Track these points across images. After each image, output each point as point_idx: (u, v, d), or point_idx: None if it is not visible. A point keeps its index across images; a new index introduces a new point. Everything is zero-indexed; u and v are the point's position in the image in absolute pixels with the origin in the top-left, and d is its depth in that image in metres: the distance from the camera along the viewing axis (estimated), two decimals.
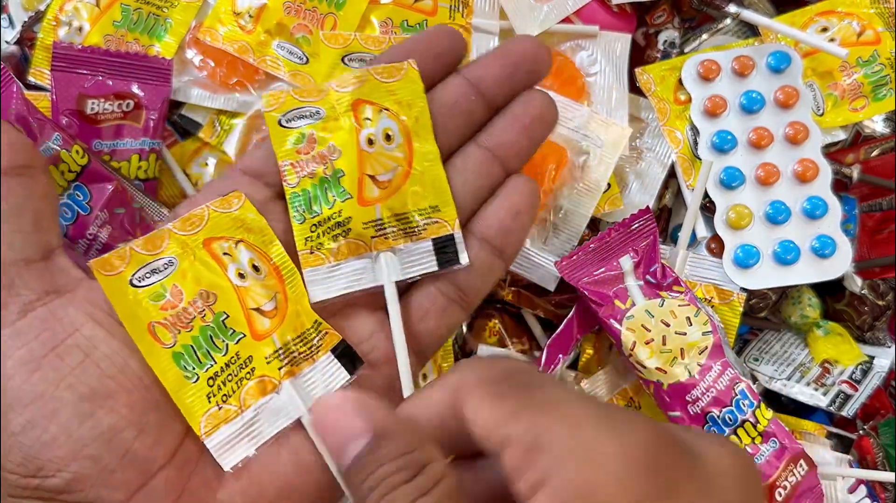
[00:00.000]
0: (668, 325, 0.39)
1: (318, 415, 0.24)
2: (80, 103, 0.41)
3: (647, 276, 0.40)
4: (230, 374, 0.28)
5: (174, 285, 0.28)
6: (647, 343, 0.39)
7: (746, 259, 0.43)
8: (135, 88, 0.42)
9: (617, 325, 0.39)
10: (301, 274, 0.30)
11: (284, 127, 0.31)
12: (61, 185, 0.37)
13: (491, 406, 0.21)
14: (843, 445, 0.46)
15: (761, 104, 0.46)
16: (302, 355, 0.29)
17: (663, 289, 0.40)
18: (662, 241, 0.44)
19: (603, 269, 0.41)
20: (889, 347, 0.47)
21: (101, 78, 0.41)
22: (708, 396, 0.38)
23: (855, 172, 0.47)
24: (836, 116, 0.47)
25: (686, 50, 0.49)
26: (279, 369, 0.29)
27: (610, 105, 0.47)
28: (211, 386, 0.27)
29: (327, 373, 0.29)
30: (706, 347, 0.39)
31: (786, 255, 0.43)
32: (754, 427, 0.39)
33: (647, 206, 0.42)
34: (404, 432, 0.22)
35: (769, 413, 0.39)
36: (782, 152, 0.45)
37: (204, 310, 0.28)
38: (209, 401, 0.27)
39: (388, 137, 0.31)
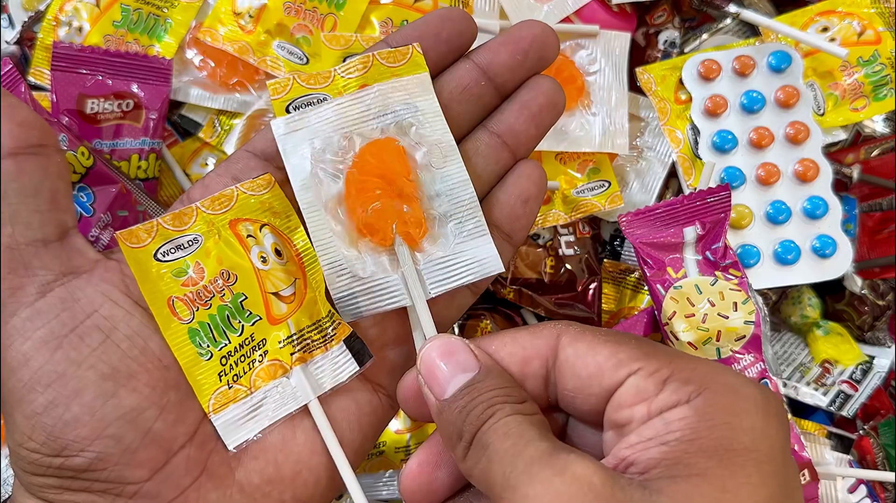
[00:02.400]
0: (713, 305, 0.39)
1: (427, 350, 0.25)
2: (79, 103, 0.41)
3: (707, 253, 0.40)
4: (243, 355, 0.28)
5: (197, 262, 0.28)
6: (686, 316, 0.39)
7: (747, 259, 0.43)
8: (134, 88, 0.42)
9: (662, 292, 0.39)
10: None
11: (288, 112, 0.30)
12: None
13: (610, 350, 0.23)
14: (843, 445, 0.46)
15: (762, 104, 0.46)
16: (315, 343, 0.30)
17: (719, 268, 0.40)
18: None
19: (665, 234, 0.40)
20: (889, 347, 0.47)
21: (100, 78, 0.41)
22: None
23: (855, 172, 0.47)
24: (837, 116, 0.47)
25: (686, 50, 0.49)
26: (291, 354, 0.29)
27: (610, 104, 0.47)
28: (223, 364, 0.28)
29: (337, 363, 0.30)
30: (744, 336, 0.38)
31: (786, 255, 0.43)
32: None
33: (727, 184, 0.41)
34: (506, 371, 0.25)
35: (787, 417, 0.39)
36: (783, 152, 0.45)
37: (224, 289, 0.28)
38: (220, 380, 0.28)
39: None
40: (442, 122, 0.30)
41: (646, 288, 0.45)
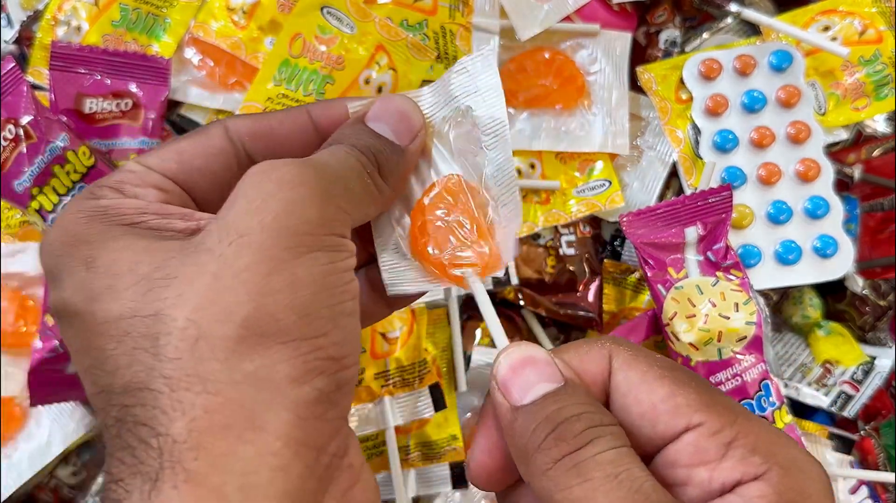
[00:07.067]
0: (714, 306, 0.38)
1: (506, 355, 0.23)
2: (78, 102, 0.41)
3: (709, 253, 0.40)
4: None
5: None
6: (688, 317, 0.38)
7: (748, 259, 0.43)
8: (133, 88, 0.42)
9: (663, 292, 0.39)
10: None
11: None
12: (66, 185, 0.37)
13: (667, 390, 0.21)
14: (844, 446, 0.46)
15: (763, 103, 0.46)
16: (405, 383, 0.37)
17: (721, 269, 0.39)
18: None
19: (666, 234, 0.40)
20: (890, 348, 0.47)
21: (99, 77, 0.41)
22: (732, 384, 0.38)
23: (857, 172, 0.47)
24: (838, 116, 0.47)
25: (687, 49, 0.49)
26: (382, 387, 0.38)
27: (610, 104, 0.47)
28: None
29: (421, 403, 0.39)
30: (745, 337, 0.38)
31: (787, 255, 0.43)
32: None
33: (728, 184, 0.41)
34: (591, 393, 0.22)
35: (789, 418, 0.39)
36: (784, 152, 0.45)
37: None
38: None
39: None
40: (499, 98, 0.28)
41: (646, 288, 0.45)
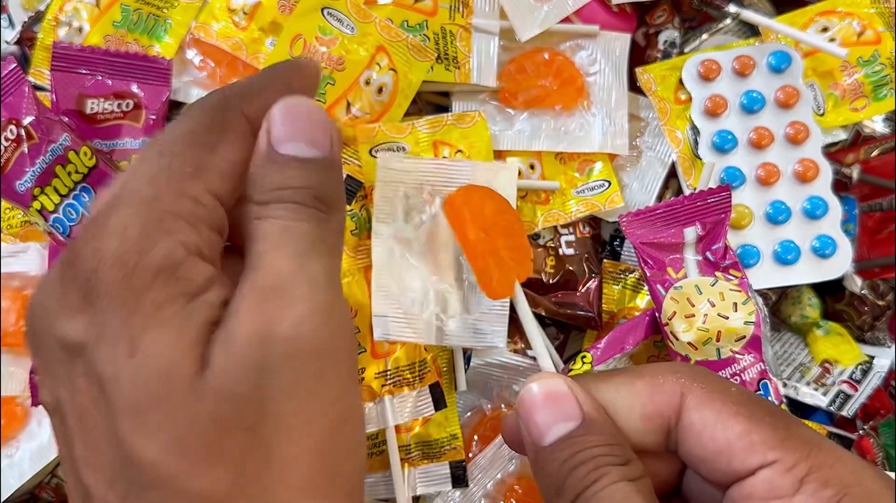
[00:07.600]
0: (713, 306, 0.39)
1: (529, 390, 0.24)
2: (79, 103, 0.41)
3: (708, 253, 0.40)
4: None
5: None
6: (687, 317, 0.39)
7: (746, 259, 0.43)
8: (134, 88, 0.42)
9: (662, 292, 0.39)
10: None
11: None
12: (67, 185, 0.37)
13: (742, 427, 0.22)
14: (843, 445, 0.46)
15: (762, 104, 0.46)
16: (405, 382, 0.39)
17: (720, 269, 0.40)
18: None
19: (665, 234, 0.40)
20: (889, 347, 0.47)
21: (100, 78, 0.41)
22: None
23: (855, 172, 0.47)
24: (837, 116, 0.47)
25: (686, 49, 0.49)
26: (382, 386, 0.40)
27: (610, 104, 0.47)
28: None
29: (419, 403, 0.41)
30: (744, 337, 0.38)
31: (786, 255, 0.43)
32: None
33: (727, 184, 0.41)
34: (610, 424, 0.23)
35: None
36: (783, 152, 0.45)
37: None
38: None
39: None
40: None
41: (646, 288, 0.45)
